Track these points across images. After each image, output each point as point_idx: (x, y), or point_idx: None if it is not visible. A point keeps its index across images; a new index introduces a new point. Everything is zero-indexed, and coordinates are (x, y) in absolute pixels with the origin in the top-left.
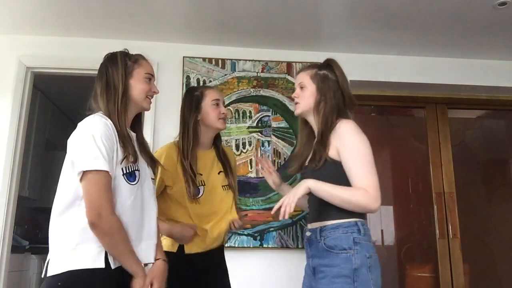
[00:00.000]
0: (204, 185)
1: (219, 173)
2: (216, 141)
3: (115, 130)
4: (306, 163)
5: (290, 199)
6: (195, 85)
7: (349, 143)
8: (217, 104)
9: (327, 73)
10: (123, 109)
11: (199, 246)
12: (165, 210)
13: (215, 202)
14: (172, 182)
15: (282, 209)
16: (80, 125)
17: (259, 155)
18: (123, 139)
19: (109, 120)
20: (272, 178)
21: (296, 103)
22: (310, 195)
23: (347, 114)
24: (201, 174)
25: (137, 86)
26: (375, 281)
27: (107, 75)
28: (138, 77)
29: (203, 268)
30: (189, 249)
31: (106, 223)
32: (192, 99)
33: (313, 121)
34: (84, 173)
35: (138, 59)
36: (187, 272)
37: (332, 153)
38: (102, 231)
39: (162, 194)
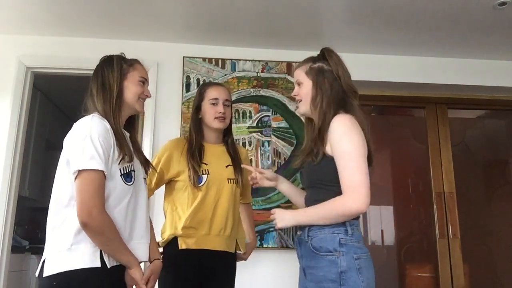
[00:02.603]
0: (208, 173)
1: (226, 167)
2: (226, 137)
3: (112, 131)
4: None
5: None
6: (195, 85)
7: (337, 141)
8: (215, 103)
9: (322, 64)
10: (117, 109)
11: (200, 243)
12: (170, 198)
13: (218, 192)
14: (176, 173)
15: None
16: (77, 125)
17: (259, 155)
18: (120, 139)
19: (106, 120)
20: (266, 179)
21: (298, 101)
22: (307, 192)
23: (350, 103)
24: (206, 164)
25: (131, 88)
26: (366, 283)
27: (103, 76)
28: (133, 79)
29: (207, 269)
30: (188, 244)
31: (97, 222)
32: (196, 97)
33: (314, 117)
34: (79, 172)
35: (133, 63)
36: (189, 271)
37: (328, 148)
38: (93, 230)
39: (169, 183)
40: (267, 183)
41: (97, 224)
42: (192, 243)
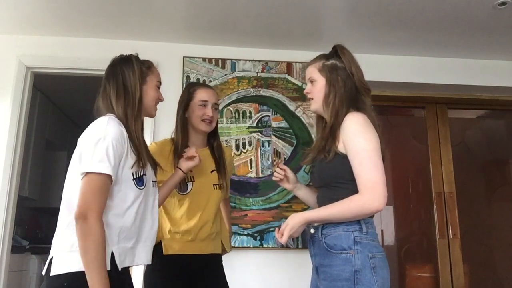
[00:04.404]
0: (193, 181)
1: (211, 172)
2: (211, 140)
3: (128, 135)
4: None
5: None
6: None
7: (351, 139)
8: (204, 105)
9: (335, 62)
10: (139, 113)
11: (184, 248)
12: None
13: (203, 199)
14: (161, 177)
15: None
16: (92, 125)
17: (259, 155)
18: (137, 144)
19: (122, 124)
20: (286, 181)
21: (310, 99)
22: (319, 191)
23: (362, 101)
24: (191, 171)
25: (150, 93)
26: (381, 283)
27: (123, 77)
28: (151, 84)
29: (194, 272)
30: (174, 249)
31: (87, 225)
32: (184, 95)
33: (325, 114)
34: (86, 174)
35: (150, 66)
36: (176, 274)
37: (340, 146)
38: (80, 232)
39: None
40: (286, 185)
41: (87, 227)
42: (177, 248)
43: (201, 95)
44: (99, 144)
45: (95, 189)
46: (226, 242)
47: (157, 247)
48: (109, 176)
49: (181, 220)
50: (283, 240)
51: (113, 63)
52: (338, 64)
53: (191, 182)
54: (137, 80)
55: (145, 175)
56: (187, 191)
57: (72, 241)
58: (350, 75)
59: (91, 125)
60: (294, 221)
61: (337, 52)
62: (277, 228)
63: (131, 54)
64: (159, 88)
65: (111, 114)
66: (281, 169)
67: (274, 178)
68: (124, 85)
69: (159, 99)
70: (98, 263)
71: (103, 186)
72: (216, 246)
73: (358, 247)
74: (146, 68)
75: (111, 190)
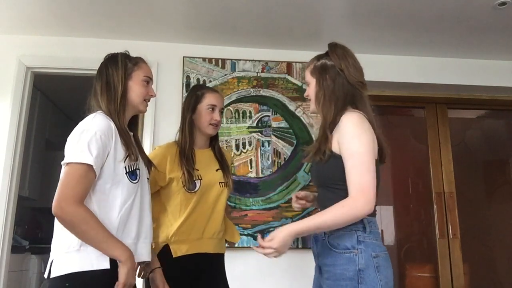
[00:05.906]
0: (201, 179)
1: (217, 170)
2: (213, 142)
3: (116, 129)
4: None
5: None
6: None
7: (346, 141)
8: (212, 109)
9: (325, 61)
10: (122, 109)
11: (192, 247)
12: (159, 202)
13: (211, 197)
14: (168, 180)
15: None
16: (80, 123)
17: (259, 155)
18: (125, 138)
19: (110, 119)
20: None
21: (309, 101)
22: (318, 191)
23: (360, 96)
24: (197, 170)
25: (135, 89)
26: (384, 282)
27: (107, 74)
28: (137, 79)
29: (199, 271)
30: (182, 250)
31: (66, 214)
32: (191, 98)
33: (320, 115)
34: (67, 164)
35: (138, 61)
36: (183, 274)
37: (335, 147)
38: (64, 222)
39: (157, 190)
40: (308, 205)
41: (67, 216)
42: (185, 249)
43: (209, 99)
44: (82, 136)
45: (73, 179)
46: (233, 235)
47: (164, 251)
48: (90, 167)
49: (187, 217)
50: (266, 253)
51: (101, 63)
52: (328, 63)
53: (199, 180)
54: (120, 76)
55: (138, 169)
56: (196, 189)
57: (69, 242)
58: (340, 72)
59: (80, 123)
60: (280, 236)
61: (328, 51)
62: (259, 239)
63: (119, 52)
64: (148, 83)
65: (99, 111)
66: (299, 198)
67: (296, 209)
68: (107, 82)
69: (150, 94)
70: (102, 238)
71: (82, 175)
72: (221, 246)
73: (362, 246)
74: (132, 64)
75: (105, 186)
